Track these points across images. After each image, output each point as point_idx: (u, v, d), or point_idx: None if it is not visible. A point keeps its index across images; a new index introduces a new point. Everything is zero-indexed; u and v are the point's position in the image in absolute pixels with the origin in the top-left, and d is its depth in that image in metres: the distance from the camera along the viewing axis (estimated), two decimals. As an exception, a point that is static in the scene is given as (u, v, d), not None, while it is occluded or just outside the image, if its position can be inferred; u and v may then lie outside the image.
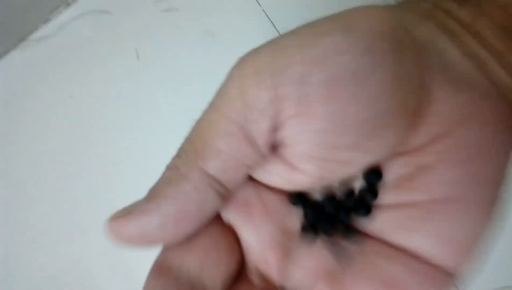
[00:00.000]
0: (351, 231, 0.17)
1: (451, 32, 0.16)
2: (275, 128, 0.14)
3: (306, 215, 0.17)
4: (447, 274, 0.15)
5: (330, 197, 0.18)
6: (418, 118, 0.15)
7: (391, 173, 0.17)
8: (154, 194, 0.14)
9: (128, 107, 0.43)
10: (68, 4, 0.43)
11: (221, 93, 0.15)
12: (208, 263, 0.14)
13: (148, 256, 0.17)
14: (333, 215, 0.17)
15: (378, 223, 0.17)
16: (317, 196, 0.18)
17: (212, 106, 0.15)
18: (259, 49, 0.14)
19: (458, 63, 0.16)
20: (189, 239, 0.15)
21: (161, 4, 0.41)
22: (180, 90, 0.41)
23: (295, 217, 0.17)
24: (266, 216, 0.16)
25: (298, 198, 0.17)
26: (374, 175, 0.17)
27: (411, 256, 0.15)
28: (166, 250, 0.15)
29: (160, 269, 0.15)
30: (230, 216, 0.16)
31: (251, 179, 0.17)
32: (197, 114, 0.16)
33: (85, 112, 0.43)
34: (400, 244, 0.16)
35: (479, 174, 0.15)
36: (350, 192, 0.18)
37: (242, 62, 0.15)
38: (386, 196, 0.17)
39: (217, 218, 0.16)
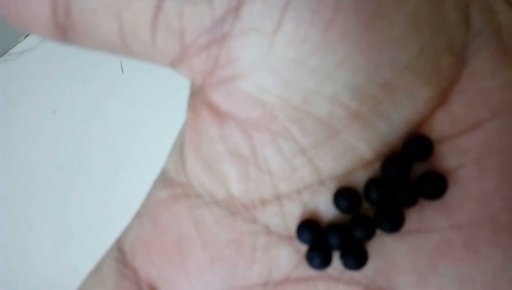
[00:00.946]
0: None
1: None
2: None
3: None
4: None
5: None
6: (449, 93, 0.12)
7: None
8: None
9: (112, 121, 0.42)
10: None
11: None
12: None
13: None
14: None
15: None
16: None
17: None
18: None
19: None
20: None
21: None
22: (165, 103, 0.40)
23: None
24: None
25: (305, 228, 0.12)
26: (418, 145, 0.12)
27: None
28: None
29: None
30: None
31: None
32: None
33: (69, 126, 0.43)
34: None
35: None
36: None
37: None
38: None
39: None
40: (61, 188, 0.42)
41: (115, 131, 0.42)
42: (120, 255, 0.14)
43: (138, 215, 0.14)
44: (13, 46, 0.42)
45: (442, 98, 0.12)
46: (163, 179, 0.14)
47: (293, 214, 0.12)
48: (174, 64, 0.12)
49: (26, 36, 0.42)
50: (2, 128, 0.43)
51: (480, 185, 0.12)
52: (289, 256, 0.13)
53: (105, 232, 0.40)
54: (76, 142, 0.42)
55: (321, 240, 0.12)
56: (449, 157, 0.12)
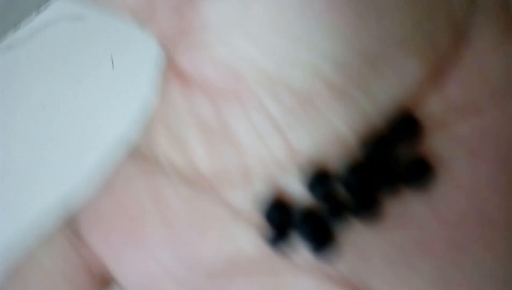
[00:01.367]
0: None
1: None
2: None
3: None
4: None
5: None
6: (448, 71, 0.11)
7: None
8: None
9: (102, 118, 0.41)
10: (39, 11, 0.41)
11: None
12: None
13: None
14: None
15: None
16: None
17: None
18: None
19: None
20: None
21: (137, 11, 0.40)
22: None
23: None
24: None
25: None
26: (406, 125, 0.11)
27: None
28: None
29: None
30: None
31: None
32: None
33: (58, 123, 0.42)
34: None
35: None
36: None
37: None
38: None
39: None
40: (49, 184, 0.41)
41: (104, 129, 0.41)
42: (74, 226, 0.13)
43: (99, 187, 0.13)
44: (1, 40, 0.41)
45: (436, 78, 0.10)
46: (132, 153, 0.13)
47: (262, 195, 0.11)
48: (142, 22, 0.11)
49: (16, 30, 0.42)
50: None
51: (471, 176, 0.11)
52: (255, 243, 0.11)
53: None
54: (63, 138, 0.41)
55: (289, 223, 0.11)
56: (440, 144, 0.11)
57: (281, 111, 0.11)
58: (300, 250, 0.11)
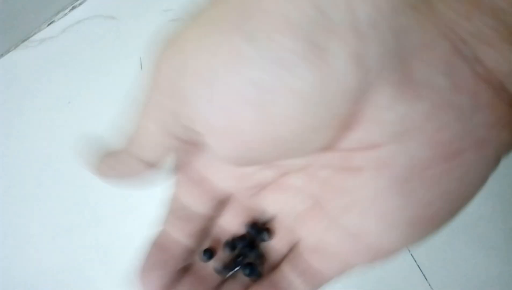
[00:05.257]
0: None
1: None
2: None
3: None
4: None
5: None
6: (351, 124, 0.13)
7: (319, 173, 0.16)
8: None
9: (124, 117, 0.41)
10: (74, 7, 0.41)
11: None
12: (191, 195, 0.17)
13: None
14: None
15: (313, 190, 0.16)
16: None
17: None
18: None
19: (432, 44, 0.12)
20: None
21: (169, 13, 0.40)
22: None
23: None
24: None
25: (208, 252, 0.18)
26: (261, 232, 0.17)
27: (342, 230, 0.15)
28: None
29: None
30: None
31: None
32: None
33: (82, 118, 0.42)
34: (333, 217, 0.15)
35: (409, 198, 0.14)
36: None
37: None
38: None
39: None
40: (70, 179, 0.41)
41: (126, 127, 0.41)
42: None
43: None
44: (35, 33, 0.41)
45: (344, 130, 0.13)
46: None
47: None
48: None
49: (49, 24, 0.42)
50: (16, 114, 0.43)
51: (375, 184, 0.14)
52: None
53: (107, 227, 0.40)
54: (87, 134, 0.41)
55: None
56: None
57: None
58: None
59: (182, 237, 0.17)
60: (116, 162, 0.16)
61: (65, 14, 0.41)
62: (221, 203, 0.18)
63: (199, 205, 0.17)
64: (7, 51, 0.42)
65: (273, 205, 0.18)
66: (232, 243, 0.18)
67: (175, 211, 0.18)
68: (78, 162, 0.41)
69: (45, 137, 0.42)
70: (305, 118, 0.12)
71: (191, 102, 0.13)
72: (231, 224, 0.18)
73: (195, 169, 0.17)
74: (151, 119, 0.15)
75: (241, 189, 0.17)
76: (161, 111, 0.14)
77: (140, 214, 0.37)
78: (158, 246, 0.17)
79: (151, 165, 0.16)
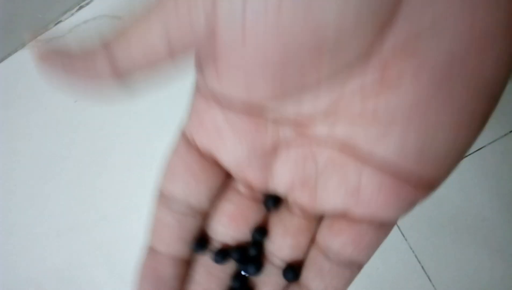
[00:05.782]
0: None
1: None
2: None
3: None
4: (415, 190, 0.15)
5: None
6: (389, 26, 0.13)
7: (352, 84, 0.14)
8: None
9: (135, 116, 0.41)
10: (81, 7, 0.42)
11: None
12: (188, 187, 0.16)
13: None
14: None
15: (344, 131, 0.15)
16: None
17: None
18: None
19: None
20: (171, 171, 0.17)
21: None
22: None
23: (263, 134, 0.16)
24: (236, 137, 0.16)
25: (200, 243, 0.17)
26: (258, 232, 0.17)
27: (377, 169, 0.15)
28: (161, 179, 0.17)
29: (159, 198, 0.17)
30: (204, 142, 0.17)
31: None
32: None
33: (89, 117, 0.42)
34: (366, 155, 0.15)
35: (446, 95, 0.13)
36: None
37: None
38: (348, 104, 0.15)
39: (195, 148, 0.17)
40: (76, 178, 0.42)
41: (135, 127, 0.41)
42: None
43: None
44: (41, 33, 0.42)
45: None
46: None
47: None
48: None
49: (57, 24, 0.42)
50: (23, 113, 0.43)
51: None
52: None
53: (112, 225, 0.40)
54: (93, 133, 0.42)
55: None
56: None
57: None
58: None
59: (173, 248, 0.16)
60: (79, 57, 0.14)
61: (72, 14, 0.42)
62: (221, 189, 0.17)
63: (195, 194, 0.16)
64: (15, 50, 0.42)
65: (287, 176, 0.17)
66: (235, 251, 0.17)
67: (165, 208, 0.17)
68: (84, 162, 0.41)
69: (51, 136, 0.43)
70: (348, 13, 0.12)
71: None
72: (232, 224, 0.17)
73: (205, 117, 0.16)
74: (157, 16, 0.13)
75: (252, 159, 0.16)
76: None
77: (145, 213, 0.38)
78: (148, 276, 0.16)
79: (121, 75, 0.14)
